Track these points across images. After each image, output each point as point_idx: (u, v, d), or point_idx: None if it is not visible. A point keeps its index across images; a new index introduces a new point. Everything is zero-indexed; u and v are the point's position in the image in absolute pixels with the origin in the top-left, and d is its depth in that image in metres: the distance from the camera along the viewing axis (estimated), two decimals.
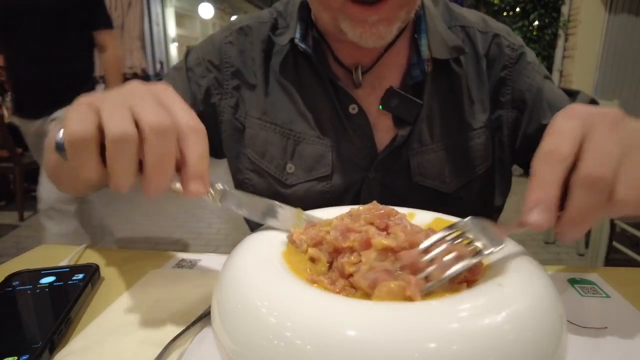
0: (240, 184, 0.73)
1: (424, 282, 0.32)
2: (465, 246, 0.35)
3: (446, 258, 0.33)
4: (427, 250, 0.34)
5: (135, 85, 0.37)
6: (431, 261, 0.33)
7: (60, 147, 0.35)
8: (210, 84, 0.70)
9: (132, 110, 0.34)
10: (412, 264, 0.33)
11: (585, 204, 0.32)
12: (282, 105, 0.68)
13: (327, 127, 0.67)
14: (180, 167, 0.36)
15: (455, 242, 0.35)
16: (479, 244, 0.35)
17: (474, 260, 0.34)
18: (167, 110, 0.35)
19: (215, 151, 0.75)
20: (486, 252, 0.34)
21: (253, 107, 0.70)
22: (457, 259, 0.33)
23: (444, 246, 0.34)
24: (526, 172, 0.73)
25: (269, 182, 0.69)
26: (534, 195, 0.32)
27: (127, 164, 0.33)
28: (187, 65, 0.71)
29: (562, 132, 0.33)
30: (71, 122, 0.33)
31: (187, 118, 0.36)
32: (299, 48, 0.65)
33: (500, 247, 0.34)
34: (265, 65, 0.69)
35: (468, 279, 0.35)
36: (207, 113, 0.71)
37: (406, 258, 0.33)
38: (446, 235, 0.36)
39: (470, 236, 0.36)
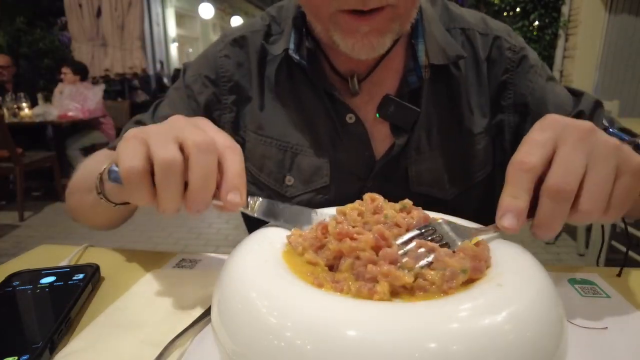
0: None
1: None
2: (435, 241, 0.39)
3: (419, 251, 0.37)
4: (406, 243, 0.38)
5: (175, 117, 0.41)
6: (407, 254, 0.37)
7: (116, 180, 0.40)
8: (209, 100, 0.69)
9: (176, 136, 0.37)
10: (391, 258, 0.36)
11: (551, 212, 0.35)
12: (278, 117, 0.67)
13: (323, 138, 0.66)
14: (219, 184, 0.39)
15: (428, 238, 0.40)
16: (448, 239, 0.40)
17: (443, 251, 0.37)
18: (206, 133, 0.39)
19: None
20: (453, 246, 0.38)
21: (250, 121, 0.69)
22: (429, 252, 0.37)
23: (416, 241, 0.38)
24: None
25: (268, 195, 0.68)
26: (505, 203, 0.36)
27: (174, 186, 0.37)
28: (185, 83, 0.70)
29: (534, 143, 0.36)
30: (125, 158, 0.37)
31: (223, 139, 0.39)
32: (294, 59, 0.64)
33: (465, 240, 0.39)
34: (260, 76, 0.68)
35: (472, 278, 0.35)
36: None
37: (385, 254, 0.36)
38: (419, 233, 0.40)
39: (441, 232, 0.40)
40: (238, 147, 0.40)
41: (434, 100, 0.65)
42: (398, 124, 0.64)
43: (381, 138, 0.65)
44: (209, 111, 0.69)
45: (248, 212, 0.44)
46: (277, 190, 0.68)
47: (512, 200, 0.36)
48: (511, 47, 0.66)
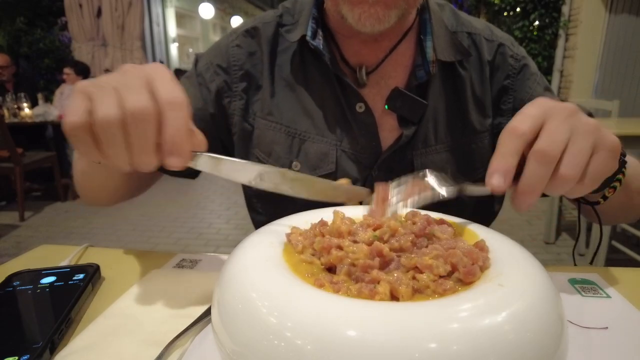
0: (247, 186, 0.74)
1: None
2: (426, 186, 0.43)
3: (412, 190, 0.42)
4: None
5: (127, 67, 0.40)
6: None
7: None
8: (220, 87, 0.71)
9: (118, 94, 0.37)
10: (383, 195, 0.40)
11: (535, 174, 0.38)
12: (288, 104, 0.69)
13: (332, 125, 0.68)
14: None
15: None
16: (437, 188, 0.44)
17: (436, 193, 0.42)
18: (151, 88, 0.37)
19: (228, 153, 0.76)
20: (443, 191, 0.43)
21: (260, 107, 0.70)
22: (421, 191, 0.41)
23: (409, 184, 0.43)
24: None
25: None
26: (495, 163, 0.39)
27: (115, 144, 0.37)
28: (197, 72, 0.73)
29: (525, 115, 0.40)
30: (68, 112, 0.37)
31: (166, 94, 0.37)
32: (310, 45, 0.66)
33: (456, 191, 0.43)
34: (271, 65, 0.70)
35: (463, 281, 0.35)
36: (218, 116, 0.71)
37: (379, 190, 0.40)
38: (411, 179, 0.45)
39: (430, 182, 0.44)
40: (180, 99, 0.38)
41: (440, 95, 0.67)
42: (406, 116, 0.66)
43: (388, 129, 0.67)
44: (220, 98, 0.71)
45: (194, 166, 0.41)
46: None
47: (501, 160, 0.39)
48: (514, 55, 0.70)
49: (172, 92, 0.38)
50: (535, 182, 0.38)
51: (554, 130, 0.38)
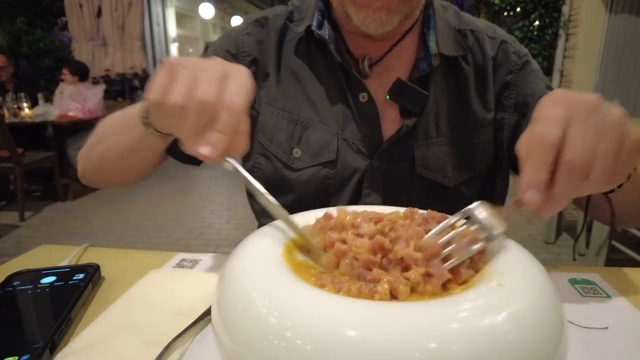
0: (249, 171, 0.74)
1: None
2: (474, 231, 0.38)
3: (461, 241, 0.37)
4: (441, 235, 0.38)
5: (215, 61, 0.44)
6: (447, 245, 0.37)
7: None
8: None
9: (194, 82, 0.41)
10: (433, 250, 0.36)
11: (568, 186, 0.36)
12: (293, 92, 0.70)
13: (335, 114, 0.69)
14: None
15: (462, 227, 0.39)
16: (484, 228, 0.39)
17: (486, 244, 0.38)
18: (223, 85, 0.41)
19: None
20: (493, 236, 0.38)
21: (265, 94, 0.72)
22: (471, 243, 0.37)
23: (455, 232, 0.38)
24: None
25: (275, 166, 0.71)
26: (529, 178, 0.36)
27: (175, 124, 0.42)
28: (206, 57, 0.73)
29: (550, 118, 0.36)
30: (153, 87, 0.42)
31: (229, 96, 0.41)
32: (315, 35, 0.67)
33: (502, 230, 0.38)
34: (278, 53, 0.72)
35: (474, 268, 0.36)
36: None
37: (425, 245, 0.37)
38: (455, 222, 0.40)
39: (476, 221, 0.39)
40: (238, 107, 0.41)
41: (443, 89, 0.69)
42: (408, 107, 0.67)
43: (390, 120, 0.69)
44: None
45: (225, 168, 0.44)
46: (284, 162, 0.70)
47: (535, 174, 0.36)
48: (516, 51, 0.71)
49: (235, 98, 0.41)
50: (567, 193, 0.36)
51: (580, 135, 0.35)
